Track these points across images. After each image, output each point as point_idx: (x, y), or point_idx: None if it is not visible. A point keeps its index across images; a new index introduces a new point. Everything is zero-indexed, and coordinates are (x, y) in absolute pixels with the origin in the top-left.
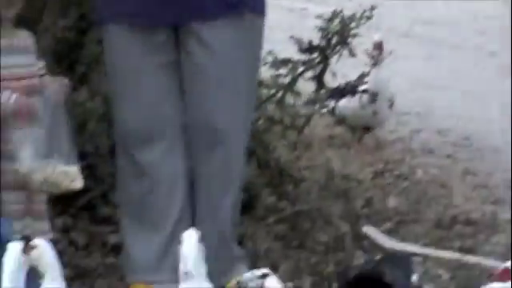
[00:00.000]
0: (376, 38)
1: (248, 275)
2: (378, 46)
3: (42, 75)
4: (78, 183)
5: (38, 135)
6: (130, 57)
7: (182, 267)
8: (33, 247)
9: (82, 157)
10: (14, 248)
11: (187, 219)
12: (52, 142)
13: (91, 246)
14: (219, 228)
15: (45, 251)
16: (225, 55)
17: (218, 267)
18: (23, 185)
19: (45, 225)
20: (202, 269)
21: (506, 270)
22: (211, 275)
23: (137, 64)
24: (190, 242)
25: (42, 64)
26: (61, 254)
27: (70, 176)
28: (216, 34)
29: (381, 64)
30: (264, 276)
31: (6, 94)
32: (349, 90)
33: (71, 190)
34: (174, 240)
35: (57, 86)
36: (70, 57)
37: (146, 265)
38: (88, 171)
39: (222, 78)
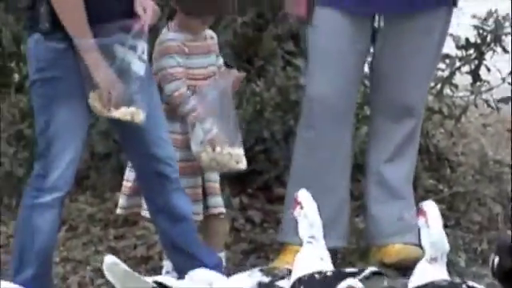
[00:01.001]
0: None
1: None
2: None
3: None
4: (243, 165)
5: (209, 120)
6: (335, 39)
7: (306, 231)
8: None
9: (259, 142)
10: None
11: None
12: (221, 126)
13: (266, 223)
14: (398, 194)
15: None
16: (422, 43)
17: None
18: (197, 169)
19: (219, 200)
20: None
21: None
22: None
23: (340, 46)
24: (313, 206)
25: (221, 61)
26: (238, 230)
27: (236, 157)
28: (419, 22)
29: None
30: None
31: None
32: None
33: (236, 171)
34: (343, 208)
35: (230, 77)
36: (248, 51)
37: None
38: (264, 155)
39: (417, 62)
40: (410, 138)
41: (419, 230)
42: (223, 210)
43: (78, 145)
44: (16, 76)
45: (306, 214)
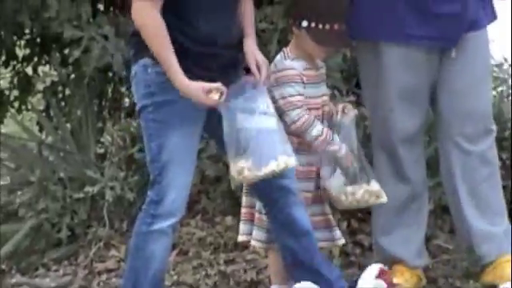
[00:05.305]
0: None
1: None
2: None
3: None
4: (383, 199)
5: (340, 159)
6: (404, 74)
7: None
8: None
9: None
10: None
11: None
12: (351, 164)
13: None
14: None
15: None
16: (479, 58)
17: None
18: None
19: (336, 232)
20: None
21: None
22: None
23: (410, 81)
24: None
25: (329, 92)
26: (348, 254)
27: (375, 193)
28: (476, 40)
29: None
30: None
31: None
32: None
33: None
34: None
35: (350, 113)
36: (357, 75)
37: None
38: None
39: (478, 75)
40: (493, 152)
41: None
42: (342, 241)
43: (191, 168)
44: (126, 100)
45: None
